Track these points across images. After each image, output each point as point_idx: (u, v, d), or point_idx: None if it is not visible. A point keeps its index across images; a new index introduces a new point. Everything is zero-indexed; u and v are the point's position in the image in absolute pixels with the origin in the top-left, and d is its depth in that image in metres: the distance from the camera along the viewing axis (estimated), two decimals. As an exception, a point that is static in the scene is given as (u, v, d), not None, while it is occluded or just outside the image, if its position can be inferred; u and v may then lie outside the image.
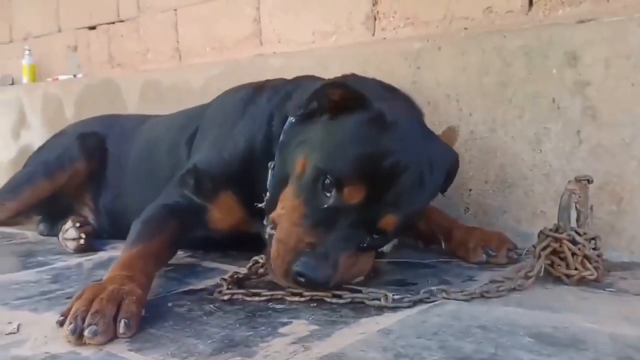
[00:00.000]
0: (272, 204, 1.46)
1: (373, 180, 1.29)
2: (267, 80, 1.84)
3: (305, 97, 1.40)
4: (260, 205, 1.56)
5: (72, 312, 1.12)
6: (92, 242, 2.01)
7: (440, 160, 1.45)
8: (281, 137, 1.54)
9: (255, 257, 1.54)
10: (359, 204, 1.29)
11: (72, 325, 1.09)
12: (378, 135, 1.34)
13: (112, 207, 2.17)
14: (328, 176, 1.30)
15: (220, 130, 1.75)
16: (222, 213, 1.64)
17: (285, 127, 1.54)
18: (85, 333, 1.08)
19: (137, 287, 1.21)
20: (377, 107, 1.38)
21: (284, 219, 1.34)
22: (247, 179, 1.61)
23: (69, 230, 1.98)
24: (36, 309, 1.35)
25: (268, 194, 1.54)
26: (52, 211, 2.26)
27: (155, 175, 1.98)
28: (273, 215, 1.40)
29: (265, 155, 1.59)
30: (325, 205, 1.30)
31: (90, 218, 2.23)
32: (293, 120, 1.52)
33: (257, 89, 1.78)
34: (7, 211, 2.22)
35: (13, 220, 2.31)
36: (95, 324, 1.08)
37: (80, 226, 1.99)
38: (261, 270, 1.53)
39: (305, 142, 1.41)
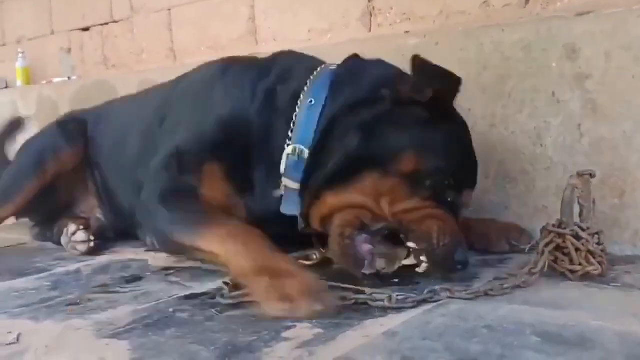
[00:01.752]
0: (329, 182, 1.43)
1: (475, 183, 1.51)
2: (233, 57, 1.81)
3: (422, 81, 1.42)
4: (276, 194, 1.54)
5: None
6: (100, 244, 2.00)
7: None
8: (346, 116, 1.47)
9: None
10: (465, 206, 1.48)
11: None
12: (469, 141, 1.52)
13: (107, 194, 2.13)
14: (450, 179, 1.41)
15: (194, 108, 1.71)
16: (211, 189, 1.59)
17: (348, 107, 1.47)
18: None
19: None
20: (457, 112, 1.53)
21: (421, 213, 1.38)
22: (233, 151, 1.58)
23: (78, 233, 1.96)
24: (36, 318, 1.34)
25: (287, 180, 1.51)
26: (48, 212, 2.21)
27: (137, 159, 1.93)
28: (378, 210, 1.39)
29: (264, 133, 1.56)
30: (449, 199, 1.41)
31: (98, 213, 2.19)
32: (311, 99, 1.51)
33: (230, 62, 1.76)
34: (3, 212, 2.12)
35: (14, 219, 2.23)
36: None
37: (85, 228, 1.97)
38: None
39: (407, 137, 1.42)
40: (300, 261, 1.58)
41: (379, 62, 1.62)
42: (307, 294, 1.16)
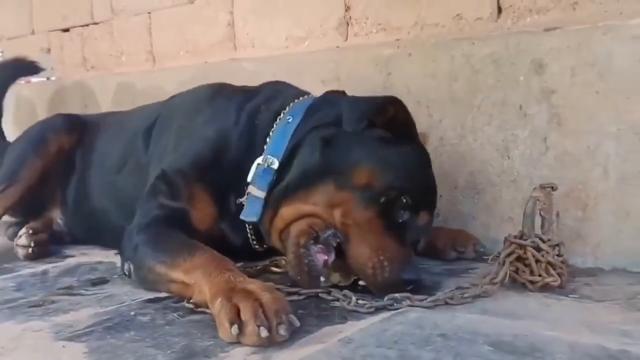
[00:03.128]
0: (286, 194, 1.45)
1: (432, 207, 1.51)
2: (224, 83, 1.83)
3: (364, 109, 1.47)
4: (241, 200, 1.53)
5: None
6: (45, 251, 1.98)
7: None
8: (309, 131, 1.51)
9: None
10: (422, 227, 1.46)
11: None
12: (429, 166, 1.53)
13: (77, 202, 2.13)
14: (406, 197, 1.40)
15: (182, 123, 1.72)
16: (200, 210, 1.58)
17: (294, 126, 1.53)
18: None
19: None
20: (420, 142, 1.56)
21: (366, 229, 1.37)
22: (218, 172, 1.58)
23: (22, 237, 1.95)
24: (-4, 319, 1.33)
25: (252, 187, 1.51)
26: (26, 212, 2.21)
27: (111, 164, 1.97)
28: (324, 216, 1.39)
29: (244, 150, 1.57)
30: (400, 221, 1.40)
31: (60, 219, 2.20)
32: (292, 119, 1.56)
33: (220, 87, 1.79)
34: (10, 197, 2.07)
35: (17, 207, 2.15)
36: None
37: (32, 234, 1.95)
38: None
39: (365, 154, 1.44)
40: (272, 268, 1.59)
41: (354, 96, 1.65)
42: (260, 317, 1.08)
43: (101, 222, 2.00)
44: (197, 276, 1.29)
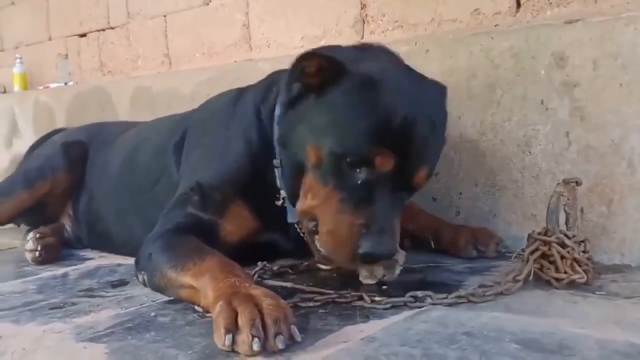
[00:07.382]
0: (292, 198, 1.46)
1: (394, 142, 1.29)
2: (245, 87, 1.82)
3: (285, 80, 1.42)
4: (279, 202, 1.54)
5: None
6: (54, 255, 1.98)
7: (437, 98, 1.47)
8: (276, 130, 1.51)
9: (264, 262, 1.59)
10: (392, 169, 1.30)
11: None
12: (375, 98, 1.32)
13: (90, 214, 2.13)
14: (349, 156, 1.29)
15: (213, 137, 1.70)
16: (234, 225, 1.56)
17: (276, 118, 1.51)
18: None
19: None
20: (358, 70, 1.36)
21: (324, 210, 1.33)
22: (254, 182, 1.57)
23: (29, 242, 1.95)
24: (18, 321, 1.34)
25: (282, 191, 1.53)
26: (38, 220, 2.24)
27: (138, 180, 1.94)
28: (304, 207, 1.39)
29: (264, 151, 1.56)
30: (359, 182, 1.30)
31: (68, 226, 2.22)
32: (279, 111, 1.50)
33: (241, 91, 1.77)
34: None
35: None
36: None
37: (39, 237, 1.95)
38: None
39: (305, 129, 1.38)
40: (319, 265, 1.57)
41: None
42: (256, 326, 1.03)
43: (128, 237, 1.93)
44: (205, 280, 1.26)
